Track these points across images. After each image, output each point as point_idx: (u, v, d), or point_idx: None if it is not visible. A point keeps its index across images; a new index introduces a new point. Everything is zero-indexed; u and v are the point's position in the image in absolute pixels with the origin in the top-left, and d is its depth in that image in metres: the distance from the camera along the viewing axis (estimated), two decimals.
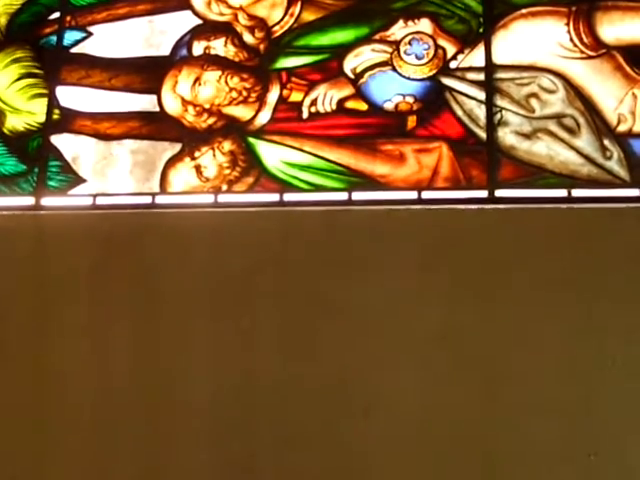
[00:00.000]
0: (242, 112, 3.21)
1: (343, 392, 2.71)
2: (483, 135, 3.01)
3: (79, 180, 3.25)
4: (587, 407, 2.60)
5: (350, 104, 3.15)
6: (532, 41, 3.10)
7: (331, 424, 2.70)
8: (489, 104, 3.03)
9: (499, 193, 2.94)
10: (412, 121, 3.08)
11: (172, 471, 2.77)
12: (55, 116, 3.33)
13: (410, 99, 3.10)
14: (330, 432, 2.69)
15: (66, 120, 3.33)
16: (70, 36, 3.44)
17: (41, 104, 3.36)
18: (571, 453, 2.58)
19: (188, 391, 2.82)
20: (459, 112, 3.06)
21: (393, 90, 3.12)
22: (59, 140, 3.31)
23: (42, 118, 3.34)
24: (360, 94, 3.15)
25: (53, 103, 3.35)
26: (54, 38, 3.45)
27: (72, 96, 3.36)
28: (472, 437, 2.61)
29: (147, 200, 3.16)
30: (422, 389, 2.67)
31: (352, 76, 3.17)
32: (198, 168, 3.18)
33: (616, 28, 3.08)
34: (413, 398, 2.67)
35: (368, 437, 2.66)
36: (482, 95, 3.05)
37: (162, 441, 2.80)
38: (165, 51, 3.35)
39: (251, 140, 3.17)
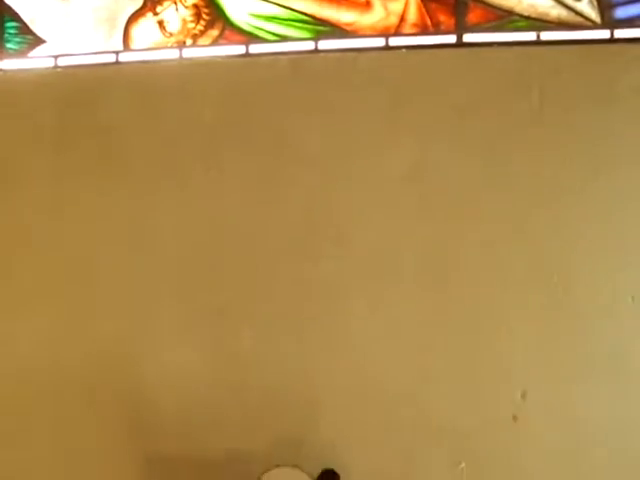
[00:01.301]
0: None
1: (312, 237, 2.74)
2: None
3: (39, 41, 3.15)
4: (552, 232, 2.65)
5: None
6: None
7: (302, 269, 2.73)
8: None
9: (467, 38, 2.88)
10: None
11: (140, 326, 2.82)
12: None
13: None
14: (301, 277, 2.73)
15: None
16: None
17: None
18: (536, 278, 2.64)
19: (156, 245, 2.83)
20: None
21: None
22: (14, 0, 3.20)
23: None
24: None
25: None
26: None
27: None
28: (438, 267, 2.68)
29: (110, 58, 3.07)
30: (390, 230, 2.70)
31: None
32: (161, 23, 3.09)
33: None
34: (382, 239, 2.71)
35: (338, 280, 2.71)
36: None
37: (132, 297, 2.84)
38: None
39: None
